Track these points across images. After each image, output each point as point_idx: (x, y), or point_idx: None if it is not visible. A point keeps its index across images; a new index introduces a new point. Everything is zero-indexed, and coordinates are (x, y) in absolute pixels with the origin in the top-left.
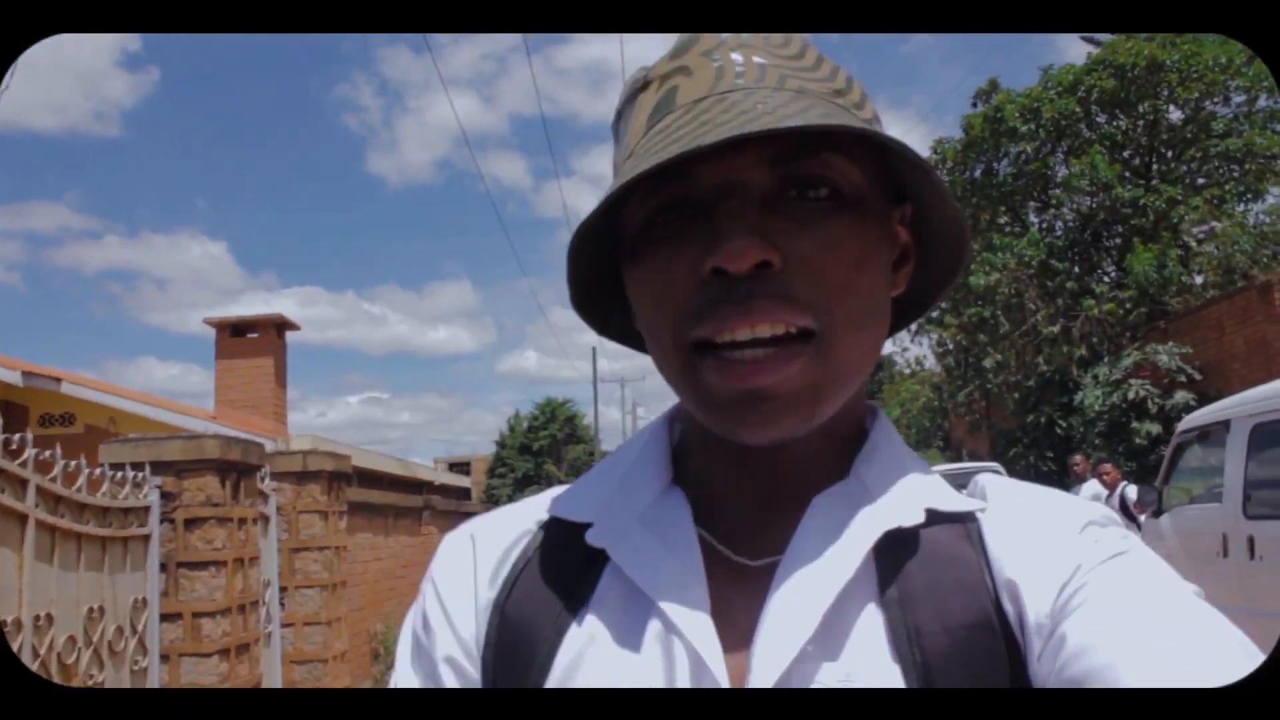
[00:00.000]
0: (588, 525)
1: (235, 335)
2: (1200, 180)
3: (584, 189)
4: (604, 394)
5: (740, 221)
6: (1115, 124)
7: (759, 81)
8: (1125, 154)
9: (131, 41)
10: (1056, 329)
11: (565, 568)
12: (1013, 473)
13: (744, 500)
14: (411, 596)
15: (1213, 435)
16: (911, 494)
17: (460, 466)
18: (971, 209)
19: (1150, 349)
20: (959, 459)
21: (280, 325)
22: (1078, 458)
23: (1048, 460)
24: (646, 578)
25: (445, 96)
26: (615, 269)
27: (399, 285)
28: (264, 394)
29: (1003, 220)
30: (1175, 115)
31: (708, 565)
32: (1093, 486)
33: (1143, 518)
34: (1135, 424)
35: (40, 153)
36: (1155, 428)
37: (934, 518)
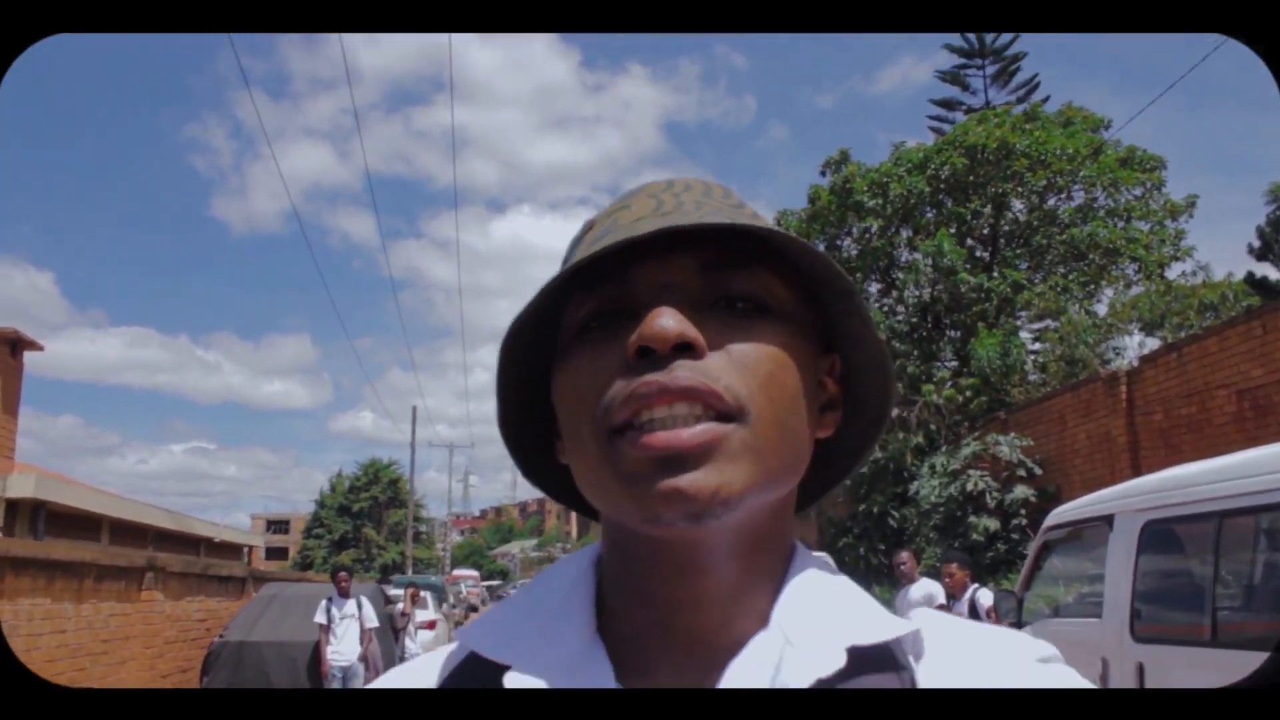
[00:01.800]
0: (505, 667)
1: None
2: (1043, 271)
3: (431, 252)
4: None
5: (668, 309)
6: (964, 206)
7: (696, 210)
8: (970, 240)
9: None
10: (893, 414)
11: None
12: (841, 565)
13: (665, 648)
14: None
15: (1088, 534)
16: (832, 633)
17: (280, 525)
18: None
19: (990, 439)
20: None
21: (15, 342)
22: (904, 555)
23: (879, 553)
24: None
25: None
26: (542, 402)
27: (236, 334)
28: None
29: None
30: (1019, 207)
31: None
32: (925, 588)
33: None
34: (973, 518)
35: None
36: (993, 523)
37: (863, 665)
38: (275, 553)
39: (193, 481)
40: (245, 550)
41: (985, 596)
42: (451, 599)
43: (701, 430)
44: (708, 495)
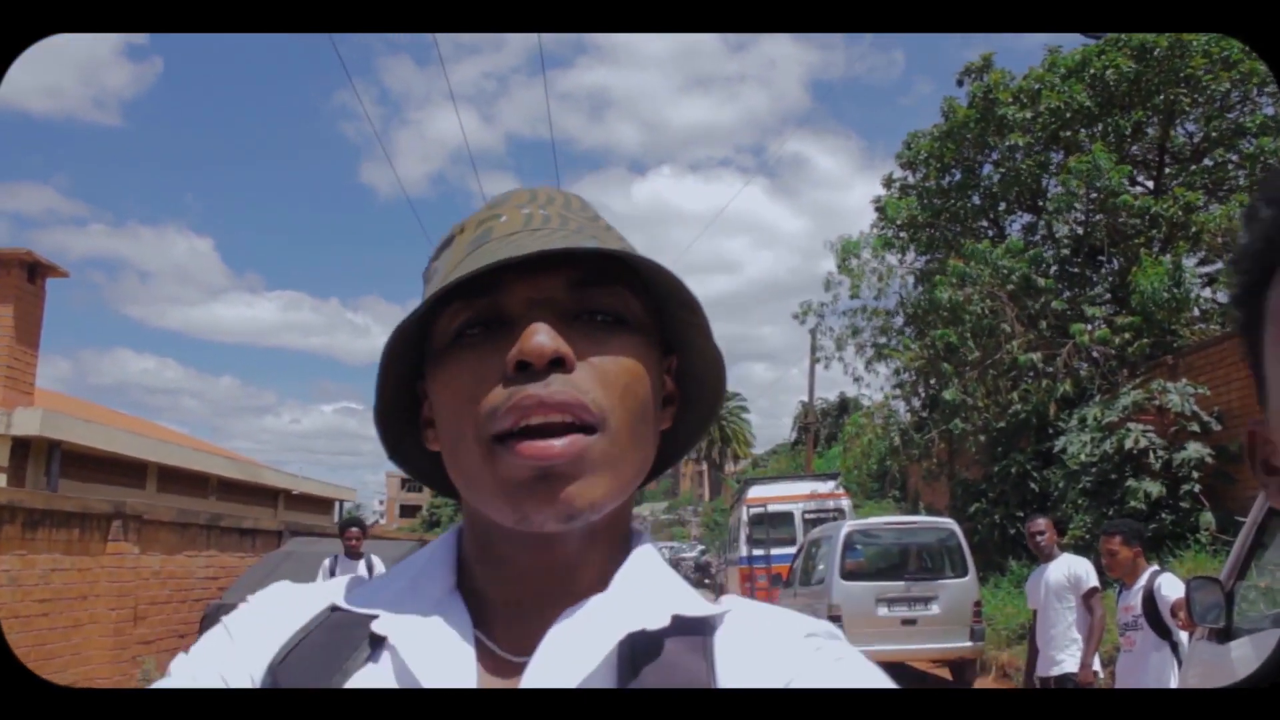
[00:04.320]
0: (373, 616)
1: None
2: (1224, 189)
3: None
4: None
5: (543, 326)
6: (1126, 118)
7: (563, 227)
8: (1133, 159)
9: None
10: (1037, 358)
11: (341, 647)
12: (974, 534)
13: (515, 603)
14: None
15: None
16: (659, 601)
17: (414, 483)
18: (947, 217)
19: (1155, 387)
20: (915, 511)
21: (33, 266)
22: (1040, 522)
23: (1017, 521)
24: (421, 665)
25: (445, 110)
26: (413, 395)
27: (383, 297)
28: None
29: (983, 224)
30: (1194, 119)
31: (482, 661)
32: (1068, 566)
33: (1187, 636)
34: (1131, 481)
35: (33, 136)
36: (1157, 487)
37: (678, 626)
38: (409, 510)
39: (342, 440)
40: (338, 505)
41: (1171, 585)
42: None
43: (570, 441)
44: (581, 505)
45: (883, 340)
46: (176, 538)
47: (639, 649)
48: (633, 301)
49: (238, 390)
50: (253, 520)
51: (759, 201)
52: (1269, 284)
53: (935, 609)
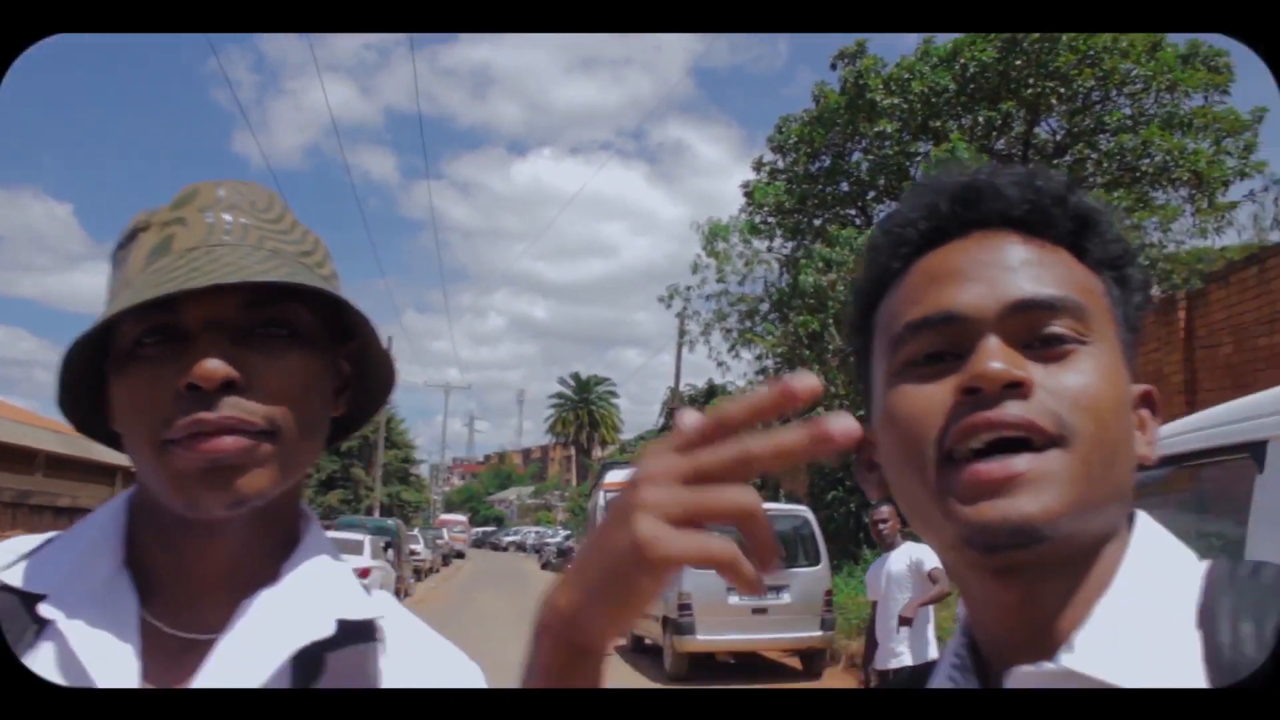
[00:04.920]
0: (40, 596)
1: None
2: (1083, 185)
3: (452, 193)
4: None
5: (215, 350)
6: (994, 109)
7: (242, 239)
8: (999, 148)
9: None
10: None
11: (12, 628)
12: (830, 524)
13: (183, 583)
14: None
15: (1203, 479)
16: (328, 604)
17: None
18: (815, 203)
19: None
20: (776, 499)
21: None
22: (884, 510)
23: (870, 508)
24: (87, 651)
25: (317, 84)
26: (97, 376)
27: None
28: None
29: (851, 212)
30: (1059, 113)
31: (148, 639)
32: (909, 554)
33: None
34: None
35: None
36: None
37: (346, 632)
38: None
39: None
40: None
41: (926, 554)
42: (424, 545)
43: (236, 439)
44: (248, 493)
45: (747, 326)
46: None
47: (313, 657)
48: (305, 315)
49: None
50: (70, 499)
51: (638, 187)
52: (880, 304)
53: (787, 598)
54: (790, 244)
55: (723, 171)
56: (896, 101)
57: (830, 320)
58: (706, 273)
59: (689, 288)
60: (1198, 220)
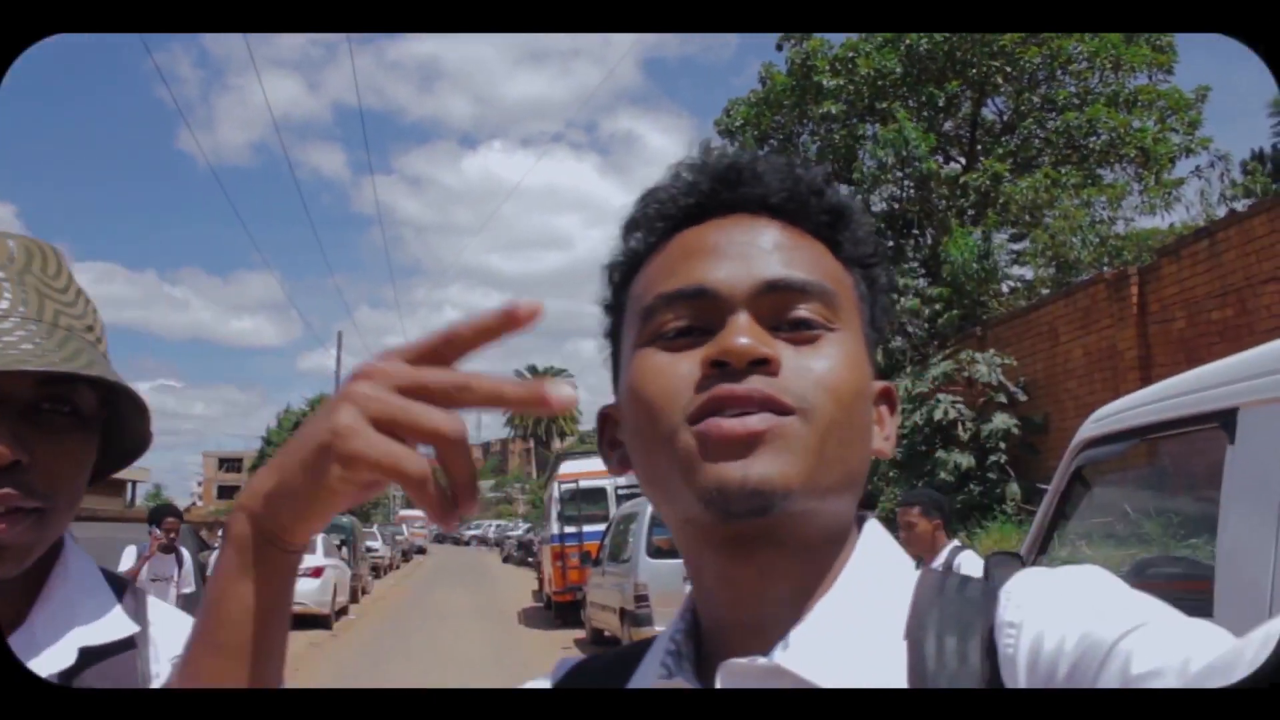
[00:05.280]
0: None
1: None
2: (1032, 162)
3: (403, 188)
4: None
5: (2, 428)
6: (940, 89)
7: (38, 314)
8: (946, 132)
9: None
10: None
11: None
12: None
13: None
14: None
15: (1175, 448)
16: (73, 635)
17: (233, 463)
18: None
19: (964, 358)
20: None
21: None
22: (913, 511)
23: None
24: None
25: (268, 76)
26: None
27: (204, 269)
28: None
29: None
30: (1005, 92)
31: None
32: (952, 560)
33: None
34: (941, 453)
35: None
36: (966, 459)
37: (91, 654)
38: (227, 491)
39: (161, 419)
40: (130, 486)
41: (972, 563)
42: (382, 542)
43: (8, 526)
44: (12, 568)
45: None
46: None
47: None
48: (86, 392)
49: None
50: None
51: (589, 179)
52: (634, 279)
53: None
54: None
55: (673, 161)
56: (842, 83)
57: None
58: None
59: None
60: (1146, 197)
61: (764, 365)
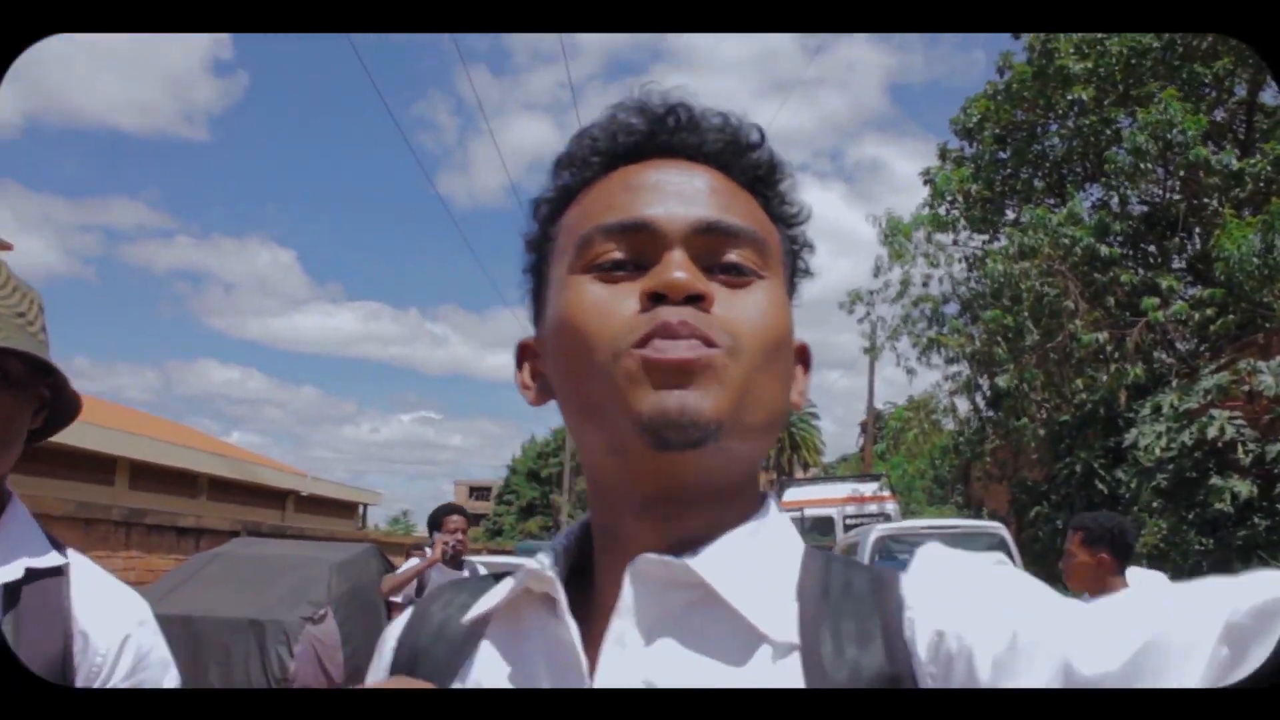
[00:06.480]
0: None
1: None
2: None
3: None
4: None
5: None
6: (1208, 65)
7: None
8: (1217, 118)
9: (223, 47)
10: (1103, 338)
11: None
12: (1035, 542)
13: None
14: None
15: None
16: (21, 561)
17: (482, 491)
18: (1004, 189)
19: (1244, 368)
20: (979, 516)
21: None
22: (1074, 538)
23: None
24: None
25: (520, 119)
26: None
27: (462, 306)
28: None
29: (1049, 201)
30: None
31: None
32: (1136, 579)
33: None
34: (1215, 479)
35: (124, 151)
36: (1246, 486)
37: (35, 574)
38: (475, 519)
39: (420, 449)
40: (362, 509)
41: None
42: None
43: None
44: None
45: (934, 329)
46: (79, 535)
47: (11, 596)
48: (15, 363)
49: (319, 400)
50: (195, 519)
51: (836, 208)
52: (566, 212)
53: None
54: (980, 237)
55: (921, 188)
56: (1091, 65)
57: (1025, 313)
58: (889, 274)
59: (872, 292)
60: None
61: (699, 301)
